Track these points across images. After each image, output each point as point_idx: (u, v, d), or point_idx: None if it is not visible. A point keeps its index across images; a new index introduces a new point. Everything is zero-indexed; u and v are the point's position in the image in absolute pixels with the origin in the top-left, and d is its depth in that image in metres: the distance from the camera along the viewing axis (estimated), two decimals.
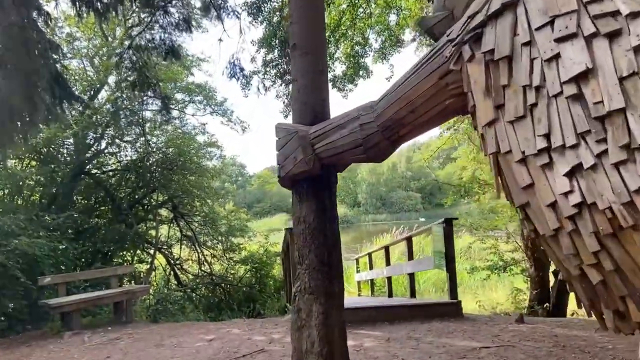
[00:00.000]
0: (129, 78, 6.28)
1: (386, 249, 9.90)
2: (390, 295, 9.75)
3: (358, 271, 14.12)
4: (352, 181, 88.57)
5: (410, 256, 7.83)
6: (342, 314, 2.95)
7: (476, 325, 5.19)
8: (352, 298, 11.95)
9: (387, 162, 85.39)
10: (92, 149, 11.33)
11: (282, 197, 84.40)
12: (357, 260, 14.49)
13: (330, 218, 2.96)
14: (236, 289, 11.30)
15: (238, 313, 9.71)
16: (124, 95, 11.05)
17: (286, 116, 8.86)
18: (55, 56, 7.70)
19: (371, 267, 12.37)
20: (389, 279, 9.78)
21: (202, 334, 5.69)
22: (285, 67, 8.03)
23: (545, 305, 7.45)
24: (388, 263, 9.75)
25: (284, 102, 8.83)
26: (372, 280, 12.40)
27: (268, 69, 8.26)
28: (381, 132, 2.42)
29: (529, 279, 8.15)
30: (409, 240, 7.88)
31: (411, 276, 7.79)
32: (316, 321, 2.86)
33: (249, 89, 8.35)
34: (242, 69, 7.85)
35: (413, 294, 7.77)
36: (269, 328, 5.73)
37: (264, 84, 8.35)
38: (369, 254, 12.68)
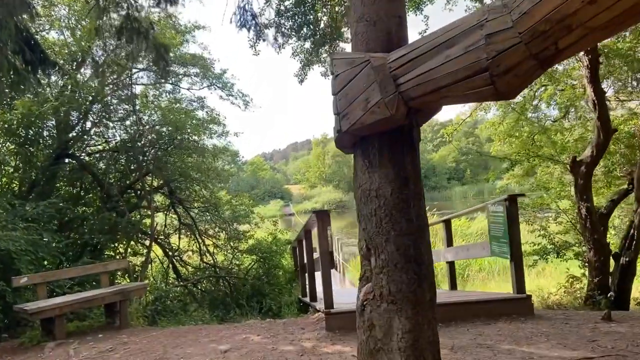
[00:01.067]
0: (113, 23, 5.31)
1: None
2: None
3: None
4: (347, 166, 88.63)
5: (450, 242, 7.00)
6: (435, 332, 2.11)
7: (556, 326, 4.36)
8: None
9: None
10: (77, 129, 10.40)
11: (276, 183, 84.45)
12: None
13: (415, 193, 2.10)
14: (242, 281, 10.48)
15: (248, 309, 8.90)
16: (110, 70, 10.10)
17: (301, 81, 7.87)
18: (25, 16, 6.78)
19: None
20: None
21: (213, 342, 4.87)
22: (303, 18, 7.00)
23: (609, 295, 6.64)
24: None
25: (301, 62, 7.83)
26: None
27: (283, 21, 7.20)
28: (526, 45, 1.53)
29: (586, 264, 7.33)
30: (447, 223, 7.04)
31: (451, 265, 6.97)
32: (400, 343, 2.02)
33: (264, 40, 7.26)
34: (254, 16, 6.72)
35: (454, 285, 6.97)
36: (295, 333, 4.90)
37: (283, 33, 7.23)
38: None
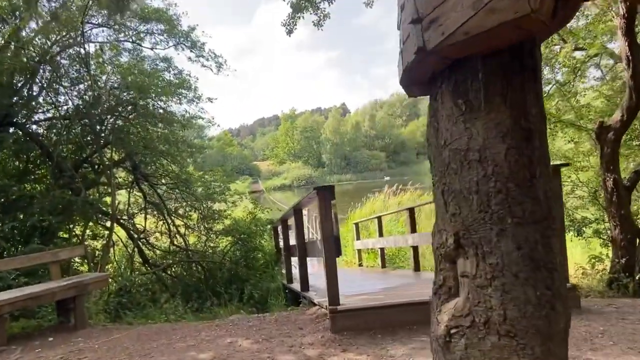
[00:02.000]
0: None
1: (411, 211, 8.44)
2: (417, 269, 8.39)
3: (359, 238, 12.72)
4: (316, 141, 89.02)
5: None
6: None
7: (613, 322, 3.74)
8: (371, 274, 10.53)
9: (350, 121, 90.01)
10: (22, 93, 9.23)
11: (244, 159, 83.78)
12: (356, 225, 13.03)
13: (542, 153, 1.32)
14: (219, 265, 9.67)
15: (227, 297, 8.13)
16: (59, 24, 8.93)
17: (290, 31, 6.92)
18: None
19: (381, 234, 10.94)
20: (416, 248, 8.40)
21: (191, 348, 4.09)
22: None
23: (638, 277, 6.12)
24: (414, 229, 8.30)
25: (291, 6, 6.87)
26: (382, 249, 11.01)
27: None
28: None
29: (610, 243, 6.81)
30: None
31: None
32: None
33: None
34: None
35: None
36: (292, 335, 4.16)
37: None
38: (379, 218, 11.22)
